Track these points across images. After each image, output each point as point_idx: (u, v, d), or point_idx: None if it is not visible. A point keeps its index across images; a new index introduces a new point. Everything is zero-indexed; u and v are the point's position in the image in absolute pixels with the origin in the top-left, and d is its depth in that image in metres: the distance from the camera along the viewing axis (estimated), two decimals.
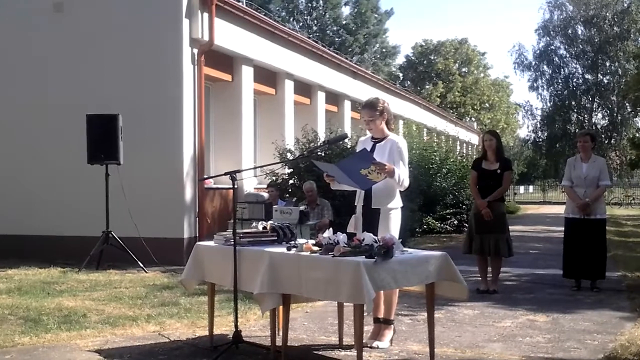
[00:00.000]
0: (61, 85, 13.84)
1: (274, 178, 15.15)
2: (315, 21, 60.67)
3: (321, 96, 20.73)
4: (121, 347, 6.63)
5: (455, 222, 20.86)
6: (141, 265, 11.84)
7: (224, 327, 7.29)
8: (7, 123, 14.12)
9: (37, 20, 14.11)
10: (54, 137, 13.79)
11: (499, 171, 10.01)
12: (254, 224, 6.88)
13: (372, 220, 6.62)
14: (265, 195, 13.97)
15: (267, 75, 17.53)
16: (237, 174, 6.48)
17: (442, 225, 20.26)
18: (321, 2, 59.38)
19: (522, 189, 66.12)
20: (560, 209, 11.59)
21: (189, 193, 13.41)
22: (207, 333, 6.85)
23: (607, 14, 40.34)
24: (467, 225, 12.20)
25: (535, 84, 42.46)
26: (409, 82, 61.28)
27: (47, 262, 12.23)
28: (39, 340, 6.84)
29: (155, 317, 7.95)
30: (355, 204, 6.87)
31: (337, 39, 59.03)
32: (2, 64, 14.27)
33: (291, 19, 58.00)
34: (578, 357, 6.37)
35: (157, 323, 7.65)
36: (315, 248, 5.95)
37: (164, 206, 13.13)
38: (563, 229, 10.59)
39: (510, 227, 10.52)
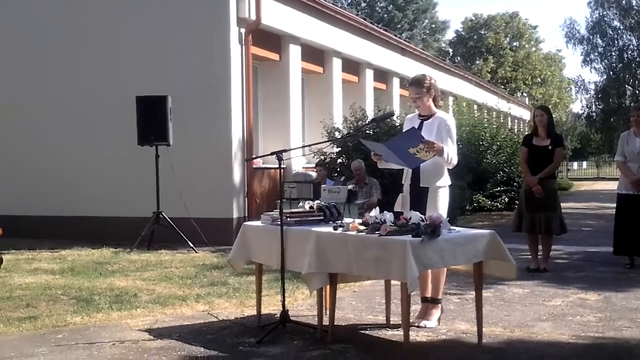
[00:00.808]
0: (111, 68, 13.99)
1: (322, 157, 15.14)
2: None
3: (369, 74, 20.60)
4: (170, 327, 6.70)
5: (506, 199, 20.65)
6: (191, 245, 11.95)
7: (272, 306, 7.33)
8: (59, 106, 14.32)
9: (84, 1, 14.25)
10: (105, 119, 13.95)
11: (550, 147, 9.82)
12: (301, 204, 6.89)
13: (420, 198, 6.57)
14: (314, 174, 13.98)
15: (315, 54, 17.48)
16: (284, 153, 6.48)
17: (492, 202, 20.07)
18: None
19: (575, 165, 65.27)
20: (614, 185, 11.39)
21: (237, 173, 13.48)
22: (255, 312, 6.88)
23: None
24: (517, 202, 12.04)
25: (588, 58, 41.66)
26: (459, 58, 60.73)
27: (99, 243, 12.43)
28: (90, 320, 6.96)
29: (204, 296, 8.02)
30: (403, 182, 6.82)
31: (385, 16, 58.68)
32: (54, 46, 14.45)
33: None
34: (630, 336, 6.26)
35: (206, 302, 7.72)
36: (362, 227, 5.93)
37: (213, 186, 13.23)
38: (615, 204, 10.41)
39: (563, 204, 10.35)
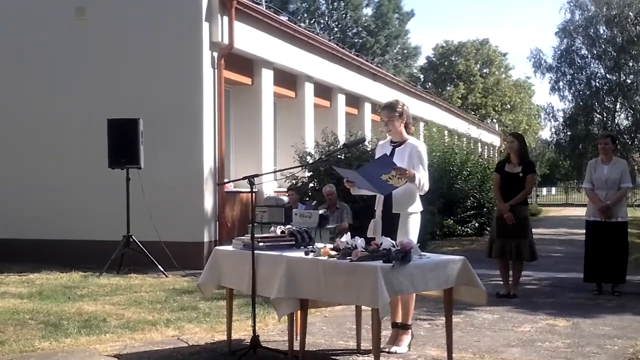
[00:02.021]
0: (82, 90, 13.92)
1: (293, 181, 15.15)
2: (337, 23, 60.71)
3: (341, 99, 20.70)
4: (140, 352, 6.65)
5: (476, 224, 20.75)
6: (161, 269, 11.88)
7: (242, 331, 7.30)
8: (27, 128, 14.23)
9: (58, 25, 14.21)
10: (75, 141, 13.87)
11: (521, 174, 9.92)
12: (272, 228, 6.89)
13: (391, 224, 6.60)
14: (285, 198, 13.98)
15: (287, 78, 17.54)
16: (256, 177, 6.48)
17: (462, 228, 20.16)
18: (342, 3, 59.40)
19: (544, 190, 65.72)
20: (583, 211, 11.53)
21: (209, 197, 13.44)
22: (225, 338, 6.85)
23: (630, 13, 40.01)
24: (488, 228, 12.13)
25: (556, 86, 42.19)
26: (430, 84, 61.12)
27: (68, 267, 12.31)
28: (58, 345, 6.88)
29: (174, 321, 7.97)
30: (375, 208, 6.85)
31: (358, 41, 59.02)
32: (23, 69, 14.38)
33: (312, 21, 58.03)
34: None
35: (176, 327, 7.67)
36: (333, 252, 5.94)
37: (184, 210, 13.17)
38: (585, 231, 10.53)
39: (532, 230, 10.42)
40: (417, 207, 6.70)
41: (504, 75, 63.90)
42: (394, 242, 5.74)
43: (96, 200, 13.59)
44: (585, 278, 10.38)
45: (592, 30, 41.47)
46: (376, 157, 6.86)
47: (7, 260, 12.89)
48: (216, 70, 13.79)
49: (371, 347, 5.80)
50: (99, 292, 10.09)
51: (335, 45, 21.19)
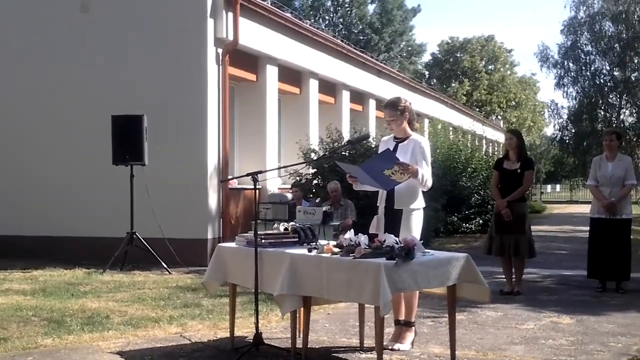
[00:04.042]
0: (86, 86, 13.94)
1: (297, 178, 15.13)
2: (341, 19, 60.66)
3: (346, 95, 20.68)
4: (143, 349, 6.64)
5: (481, 222, 20.72)
6: (165, 266, 11.88)
7: (245, 328, 7.29)
8: (31, 124, 14.24)
9: (62, 21, 14.22)
10: (79, 138, 13.88)
11: (519, 171, 9.90)
12: (276, 225, 6.87)
13: (394, 221, 6.58)
14: (289, 195, 13.96)
15: (292, 75, 17.52)
16: (259, 174, 6.46)
17: (467, 225, 20.13)
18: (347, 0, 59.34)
19: (549, 187, 65.72)
20: (587, 208, 11.50)
21: (213, 194, 13.44)
22: (228, 335, 6.84)
23: (637, 10, 39.88)
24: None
25: (561, 82, 42.04)
26: (434, 80, 61.02)
27: (71, 263, 12.31)
28: (61, 342, 6.87)
29: (177, 318, 7.97)
30: (378, 204, 6.83)
31: (362, 38, 58.95)
32: (27, 65, 14.39)
33: (317, 17, 57.97)
34: (602, 359, 6.29)
35: (179, 324, 7.66)
36: (336, 249, 5.93)
37: (188, 207, 13.17)
38: (589, 228, 10.50)
39: (536, 227, 10.44)
40: (419, 203, 6.68)
41: (509, 72, 63.79)
42: (397, 239, 5.73)
43: (100, 197, 13.60)
44: (588, 274, 10.37)
45: (597, 27, 41.32)
46: (379, 152, 6.84)
47: (11, 257, 12.93)
48: (221, 66, 13.78)
49: (374, 345, 5.79)
50: (102, 289, 10.09)
51: (339, 42, 21.16)
